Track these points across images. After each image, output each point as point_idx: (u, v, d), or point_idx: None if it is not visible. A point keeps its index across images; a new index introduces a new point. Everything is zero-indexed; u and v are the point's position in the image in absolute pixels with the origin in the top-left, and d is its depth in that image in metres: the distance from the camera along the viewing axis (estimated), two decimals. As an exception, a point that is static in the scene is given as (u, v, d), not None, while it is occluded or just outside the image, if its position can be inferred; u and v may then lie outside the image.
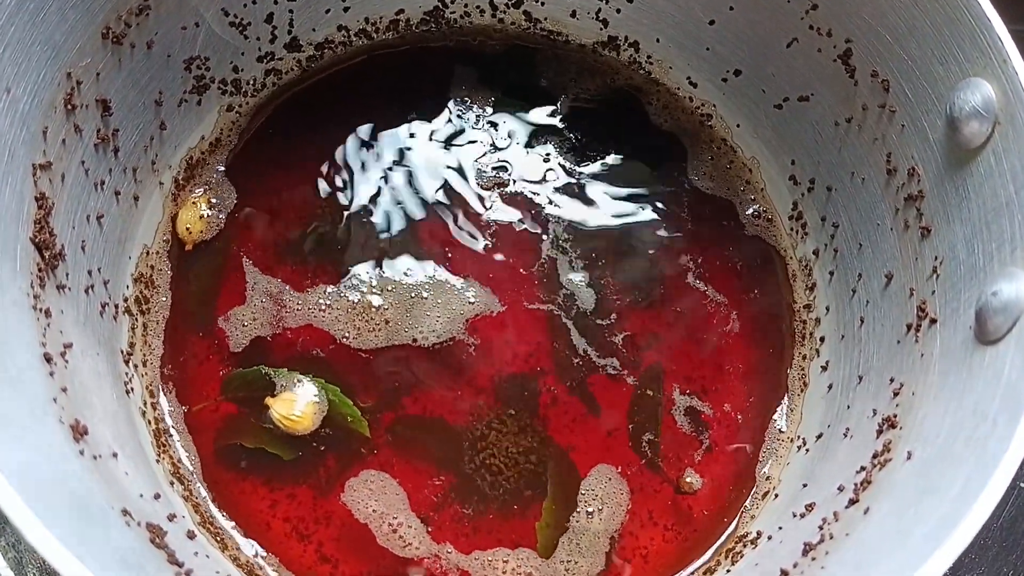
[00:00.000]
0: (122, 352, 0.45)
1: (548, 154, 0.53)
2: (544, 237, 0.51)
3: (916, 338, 0.40)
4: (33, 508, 0.28)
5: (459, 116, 0.53)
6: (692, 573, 0.45)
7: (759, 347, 0.50)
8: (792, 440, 0.48)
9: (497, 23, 0.54)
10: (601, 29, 0.53)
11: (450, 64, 0.54)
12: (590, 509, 0.46)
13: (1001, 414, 0.32)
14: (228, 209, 0.50)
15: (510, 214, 0.51)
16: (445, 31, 0.54)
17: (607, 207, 0.52)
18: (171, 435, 0.46)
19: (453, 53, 0.54)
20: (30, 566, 0.47)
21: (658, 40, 0.52)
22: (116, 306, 0.45)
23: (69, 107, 0.39)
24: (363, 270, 0.49)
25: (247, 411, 0.46)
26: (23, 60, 0.36)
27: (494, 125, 0.53)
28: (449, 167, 0.52)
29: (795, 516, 0.42)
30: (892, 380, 0.40)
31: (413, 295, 0.48)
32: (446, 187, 0.51)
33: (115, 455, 0.38)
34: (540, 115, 0.53)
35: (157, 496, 0.40)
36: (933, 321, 0.39)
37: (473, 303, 0.49)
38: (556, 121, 0.53)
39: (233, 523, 0.45)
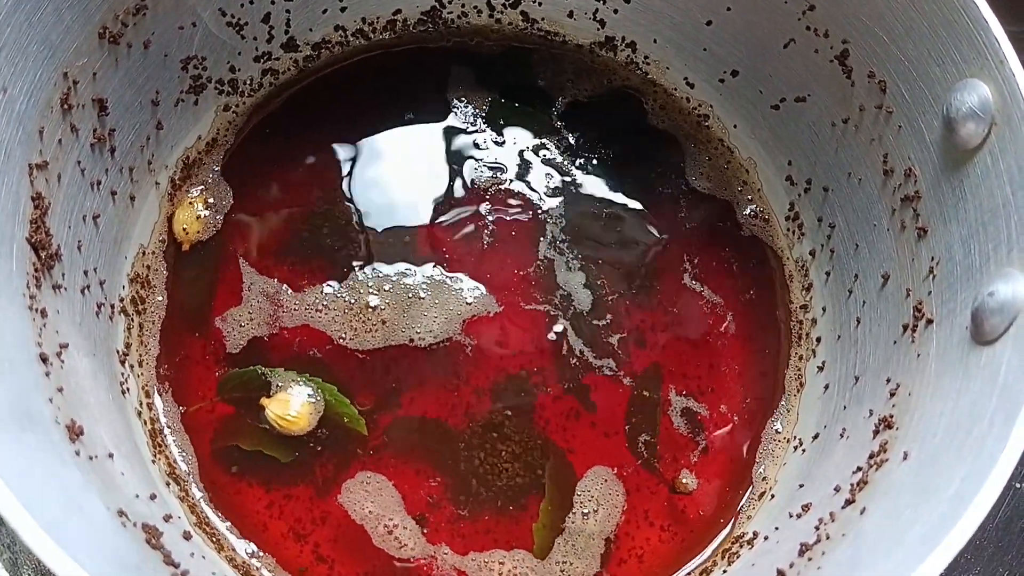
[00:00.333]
0: (118, 352, 0.44)
1: (545, 154, 0.53)
2: (541, 238, 0.51)
3: (912, 338, 0.40)
4: (29, 509, 0.28)
5: (456, 116, 0.53)
6: (688, 574, 0.46)
7: (755, 348, 0.50)
8: (788, 440, 0.48)
9: (494, 23, 0.54)
10: (598, 29, 0.53)
11: (447, 64, 0.54)
12: (586, 510, 0.46)
13: (997, 414, 0.32)
14: (225, 209, 0.50)
15: (507, 214, 0.51)
16: (442, 31, 0.54)
17: (604, 207, 0.52)
18: (167, 435, 0.46)
19: (450, 53, 0.54)
20: (25, 567, 0.47)
21: (655, 41, 0.52)
22: (112, 306, 0.44)
23: (65, 107, 0.39)
24: (360, 270, 0.49)
25: (243, 412, 0.46)
26: (19, 60, 0.36)
27: (491, 125, 0.53)
28: (446, 167, 0.52)
29: (791, 516, 0.42)
30: (888, 380, 0.40)
31: (410, 295, 0.48)
32: (443, 187, 0.51)
33: (111, 455, 0.38)
34: (536, 116, 0.53)
35: (153, 497, 0.40)
36: (929, 322, 0.39)
37: (470, 304, 0.49)
38: (553, 121, 0.53)
39: (229, 524, 0.45)
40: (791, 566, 0.39)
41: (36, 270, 0.37)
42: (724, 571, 0.44)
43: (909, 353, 0.39)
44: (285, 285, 0.48)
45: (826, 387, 0.47)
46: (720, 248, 0.51)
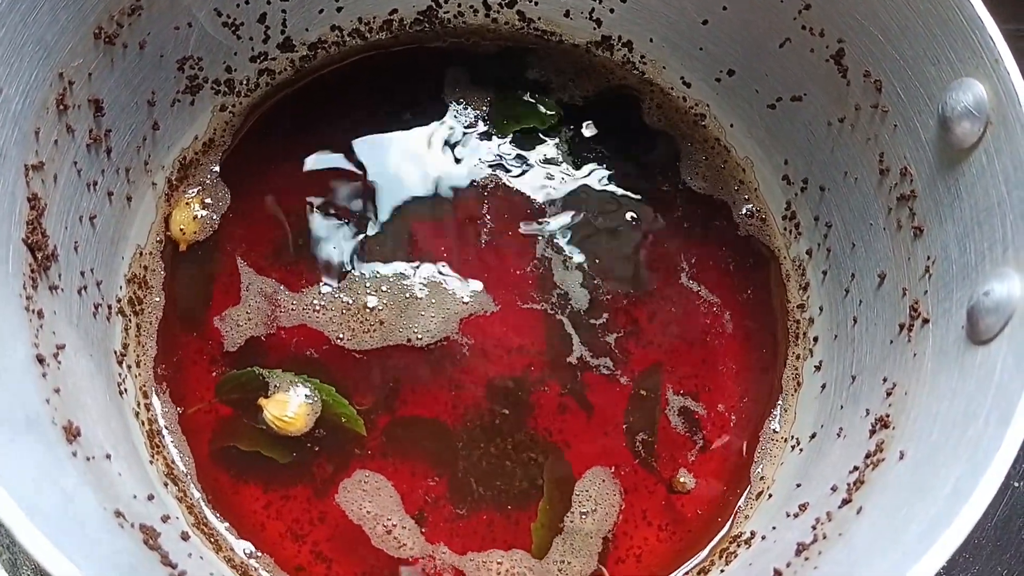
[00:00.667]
0: (115, 353, 0.44)
1: (542, 153, 0.53)
2: (538, 237, 0.51)
3: (909, 338, 0.40)
4: (26, 510, 0.28)
5: (453, 116, 0.53)
6: (686, 573, 0.46)
7: (752, 347, 0.50)
8: (786, 440, 0.48)
9: (491, 23, 0.54)
10: (595, 29, 0.53)
11: (444, 64, 0.54)
12: (584, 509, 0.46)
13: (993, 413, 0.32)
14: (222, 210, 0.50)
15: (504, 213, 0.51)
16: (439, 31, 0.54)
17: (601, 207, 0.52)
18: (164, 436, 0.46)
19: (447, 53, 0.54)
20: (24, 567, 0.47)
21: (651, 40, 0.52)
22: (109, 307, 0.44)
23: (61, 107, 0.39)
24: (357, 270, 0.49)
25: (241, 413, 0.46)
26: (15, 60, 0.36)
27: (488, 125, 0.53)
28: (443, 167, 0.52)
29: (788, 516, 0.42)
30: (885, 380, 0.41)
31: (408, 295, 0.48)
32: (440, 187, 0.51)
33: (108, 456, 0.38)
34: (534, 115, 0.53)
35: (151, 497, 0.40)
36: (926, 321, 0.39)
37: (467, 303, 0.49)
38: (550, 121, 0.53)
39: (227, 524, 0.45)
40: (788, 566, 0.39)
41: (32, 271, 0.37)
42: (722, 571, 0.44)
43: (905, 352, 0.40)
44: (282, 285, 0.48)
45: (823, 386, 0.47)
46: (717, 247, 0.51)
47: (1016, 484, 0.51)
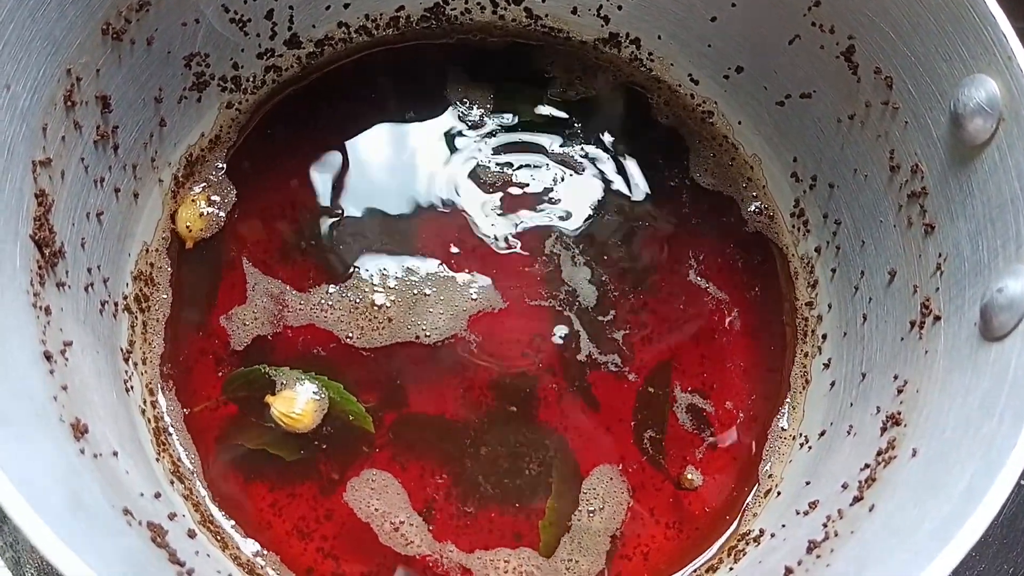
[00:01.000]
0: (122, 350, 0.44)
1: (549, 150, 0.52)
2: (546, 234, 0.50)
3: (920, 335, 0.39)
4: (34, 507, 0.28)
5: (460, 113, 0.53)
6: (694, 571, 0.45)
7: (761, 344, 0.50)
8: (794, 438, 0.48)
9: (498, 20, 0.53)
10: (602, 26, 0.53)
11: (451, 61, 0.53)
12: (591, 507, 0.46)
13: (1007, 411, 0.32)
14: (228, 207, 0.49)
15: (512, 211, 0.51)
16: (446, 28, 0.54)
17: (609, 204, 0.52)
18: (171, 434, 0.45)
19: (454, 50, 0.54)
20: (28, 565, 0.46)
21: (659, 37, 0.52)
22: (116, 304, 0.44)
23: (69, 103, 0.39)
24: (365, 268, 0.49)
25: (248, 411, 0.46)
26: (23, 56, 0.36)
27: (495, 121, 0.53)
28: (450, 164, 0.52)
29: (798, 514, 0.42)
30: (896, 377, 0.40)
31: (416, 292, 0.48)
32: (448, 184, 0.51)
33: (115, 454, 0.37)
34: (541, 112, 0.53)
35: (157, 495, 0.40)
36: (937, 318, 0.39)
37: (476, 299, 0.49)
38: (557, 118, 0.53)
39: (233, 522, 0.44)
40: (799, 563, 0.38)
41: (40, 267, 0.37)
42: (730, 568, 0.44)
43: (917, 350, 0.39)
44: (289, 285, 0.48)
45: (832, 384, 0.47)
46: (725, 244, 0.51)
47: (1023, 482, 0.51)
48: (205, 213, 0.49)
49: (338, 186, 0.51)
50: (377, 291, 0.48)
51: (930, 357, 0.38)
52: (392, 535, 0.44)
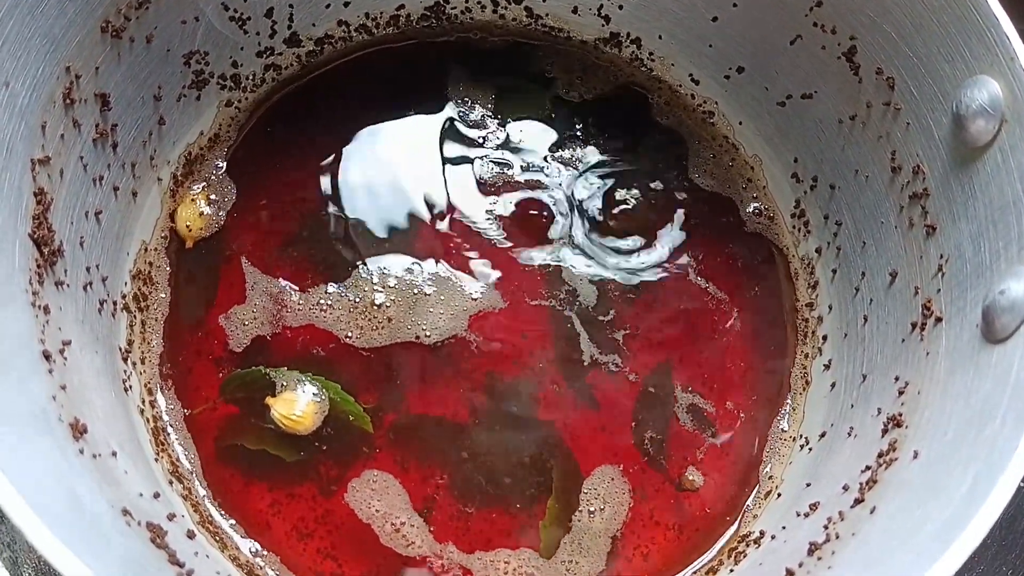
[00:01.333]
0: (120, 350, 0.44)
1: (550, 150, 0.52)
2: (546, 233, 0.50)
3: (921, 337, 0.39)
4: (34, 507, 0.28)
5: (460, 112, 0.52)
6: (695, 572, 0.45)
7: (761, 345, 0.50)
8: (795, 439, 0.48)
9: (498, 19, 0.53)
10: (603, 25, 0.53)
11: (451, 60, 0.53)
12: (592, 508, 0.46)
13: (1009, 413, 0.32)
14: (228, 206, 0.49)
15: (512, 210, 0.51)
16: (446, 27, 0.53)
17: (609, 203, 0.51)
18: (169, 434, 0.45)
19: (454, 49, 0.54)
20: (25, 565, 0.46)
21: (660, 37, 0.52)
22: (114, 303, 0.44)
23: (68, 101, 0.39)
24: (365, 268, 0.48)
25: (247, 412, 0.46)
26: (22, 53, 0.35)
27: (496, 121, 0.52)
28: (450, 163, 0.51)
29: (799, 515, 0.42)
30: (897, 379, 0.40)
31: (416, 292, 0.48)
32: (447, 183, 0.51)
33: (114, 454, 0.37)
34: (541, 112, 0.53)
35: (156, 495, 0.39)
36: (939, 320, 0.38)
37: (476, 299, 0.48)
38: (557, 118, 0.53)
39: (233, 522, 0.44)
40: (800, 565, 0.38)
41: (39, 266, 0.37)
42: (731, 570, 0.44)
43: (918, 351, 0.39)
44: (289, 285, 0.48)
45: (833, 385, 0.46)
46: (725, 245, 0.51)
47: (1022, 484, 0.51)
48: (205, 212, 0.49)
49: (338, 185, 0.50)
50: (377, 291, 0.48)
51: (931, 359, 0.38)
52: (393, 536, 0.44)
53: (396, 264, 0.49)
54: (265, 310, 0.48)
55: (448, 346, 0.47)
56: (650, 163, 0.53)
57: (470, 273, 0.49)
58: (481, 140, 0.52)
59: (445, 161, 0.51)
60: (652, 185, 0.52)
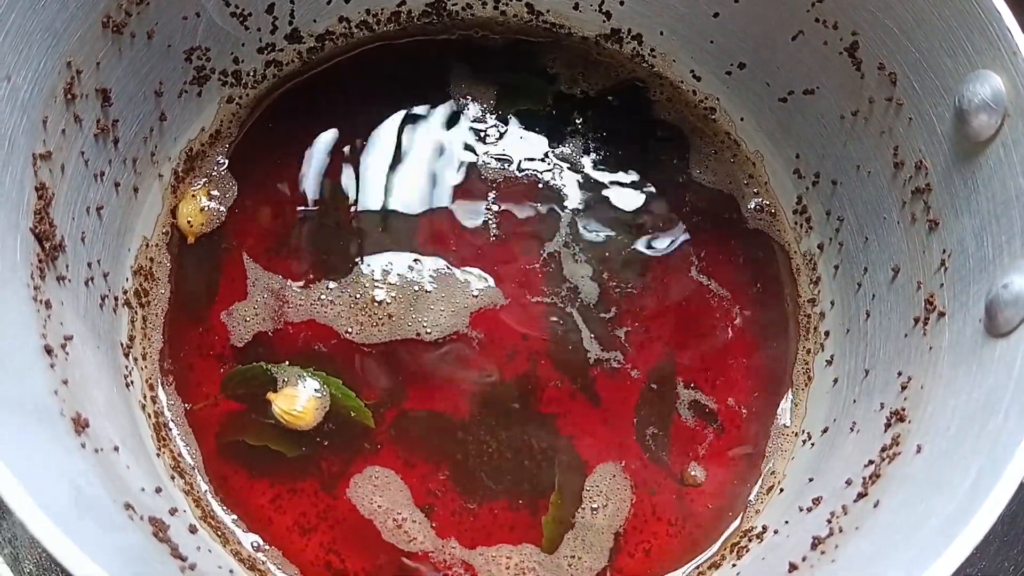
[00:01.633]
0: (122, 345, 0.44)
1: (551, 147, 0.52)
2: (548, 230, 0.50)
3: (924, 331, 0.39)
4: (38, 501, 0.27)
5: (461, 109, 0.52)
6: (697, 568, 0.45)
7: (763, 341, 0.50)
8: (797, 435, 0.48)
9: (499, 15, 0.53)
10: (604, 22, 0.53)
11: (452, 56, 0.53)
12: (595, 504, 0.46)
13: (1012, 407, 0.32)
14: (229, 202, 0.49)
15: (513, 207, 0.51)
16: (447, 23, 0.53)
17: (610, 200, 0.51)
18: (171, 429, 0.45)
19: (455, 45, 0.54)
20: (27, 561, 0.46)
21: (662, 33, 0.52)
22: (116, 298, 0.44)
23: (69, 96, 0.39)
24: (366, 264, 0.48)
25: (249, 408, 0.46)
26: (24, 48, 0.35)
27: (496, 117, 0.52)
28: (451, 159, 0.51)
29: (802, 510, 0.42)
30: (900, 374, 0.40)
31: (417, 289, 0.48)
32: (448, 179, 0.51)
33: (116, 449, 0.37)
34: (542, 108, 0.53)
35: (158, 490, 0.39)
36: (942, 314, 0.38)
37: (477, 296, 0.48)
38: (558, 114, 0.53)
39: (234, 517, 0.44)
40: (804, 560, 0.38)
41: (40, 261, 0.36)
42: (733, 565, 0.44)
43: (921, 346, 0.39)
44: (290, 280, 0.48)
45: (835, 381, 0.46)
46: (727, 241, 0.51)
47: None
48: (206, 208, 0.49)
49: (338, 181, 0.50)
50: (378, 287, 0.48)
51: (934, 353, 0.38)
52: (395, 531, 0.44)
53: (397, 260, 0.49)
54: (266, 306, 0.48)
55: (449, 343, 0.47)
56: (651, 159, 0.53)
57: (471, 270, 0.49)
58: (481, 136, 0.52)
59: (446, 157, 0.51)
60: (653, 181, 0.52)
